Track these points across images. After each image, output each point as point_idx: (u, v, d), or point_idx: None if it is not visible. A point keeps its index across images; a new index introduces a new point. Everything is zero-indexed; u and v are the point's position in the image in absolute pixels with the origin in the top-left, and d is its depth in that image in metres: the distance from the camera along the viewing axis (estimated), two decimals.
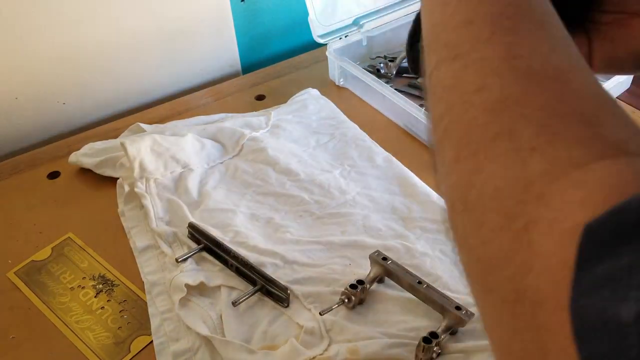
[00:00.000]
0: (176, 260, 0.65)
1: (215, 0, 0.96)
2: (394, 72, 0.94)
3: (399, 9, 1.00)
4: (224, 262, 0.65)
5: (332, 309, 0.60)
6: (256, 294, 0.63)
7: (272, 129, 0.84)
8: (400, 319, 0.59)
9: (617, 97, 0.90)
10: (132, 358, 0.59)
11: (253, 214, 0.73)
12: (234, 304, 0.61)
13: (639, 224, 0.17)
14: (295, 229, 0.70)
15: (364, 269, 0.65)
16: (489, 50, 0.25)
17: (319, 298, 0.62)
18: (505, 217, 0.22)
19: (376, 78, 0.87)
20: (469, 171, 0.24)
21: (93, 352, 0.59)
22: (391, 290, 0.62)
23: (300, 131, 0.84)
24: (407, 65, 0.96)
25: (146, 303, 0.63)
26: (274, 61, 1.03)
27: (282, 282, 0.63)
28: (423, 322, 0.59)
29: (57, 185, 0.80)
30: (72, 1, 0.84)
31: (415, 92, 0.91)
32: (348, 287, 0.60)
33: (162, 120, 0.89)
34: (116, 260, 0.69)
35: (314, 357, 0.56)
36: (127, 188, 0.75)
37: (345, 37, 0.95)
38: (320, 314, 0.60)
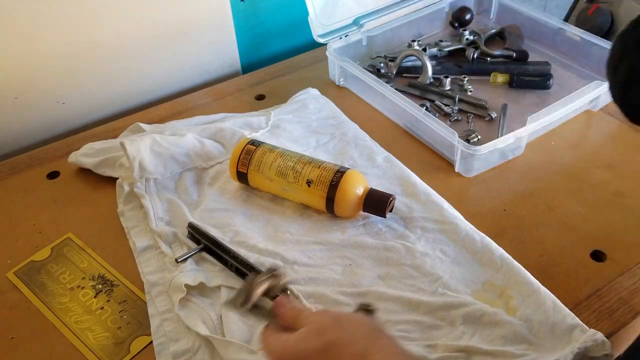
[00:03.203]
0: (176, 260, 0.65)
1: (215, 0, 0.96)
2: (394, 72, 0.94)
3: (399, 9, 0.99)
4: (224, 262, 0.65)
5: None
6: None
7: (272, 128, 0.84)
8: (402, 319, 0.59)
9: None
10: (131, 358, 0.59)
11: (253, 213, 0.73)
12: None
13: None
14: (295, 229, 0.70)
15: (364, 269, 0.65)
16: None
17: (320, 298, 0.62)
18: None
19: (376, 78, 0.87)
20: None
21: (93, 353, 0.59)
22: (393, 290, 0.62)
23: (300, 131, 0.84)
24: (407, 65, 0.95)
25: (146, 303, 0.63)
26: (274, 61, 1.02)
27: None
28: (425, 321, 0.59)
29: (57, 185, 0.80)
30: (71, 2, 0.84)
31: (416, 92, 0.91)
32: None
33: (162, 120, 0.89)
34: (116, 261, 0.69)
35: None
36: (126, 188, 0.75)
37: (345, 36, 0.95)
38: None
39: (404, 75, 0.95)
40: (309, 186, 0.70)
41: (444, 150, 0.80)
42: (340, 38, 0.94)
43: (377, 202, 0.69)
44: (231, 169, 0.74)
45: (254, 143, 0.74)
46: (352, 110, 0.88)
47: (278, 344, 0.48)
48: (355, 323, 0.48)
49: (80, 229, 0.73)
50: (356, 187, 0.69)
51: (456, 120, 0.86)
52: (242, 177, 0.74)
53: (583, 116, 0.87)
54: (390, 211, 0.70)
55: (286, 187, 0.71)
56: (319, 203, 0.70)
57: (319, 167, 0.70)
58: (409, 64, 0.96)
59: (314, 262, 0.66)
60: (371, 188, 0.70)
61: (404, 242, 0.67)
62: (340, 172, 0.69)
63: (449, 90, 0.91)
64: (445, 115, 0.87)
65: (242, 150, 0.73)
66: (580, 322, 0.58)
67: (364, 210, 0.70)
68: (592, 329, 0.56)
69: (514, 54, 0.96)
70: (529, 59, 0.96)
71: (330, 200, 0.69)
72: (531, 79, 0.91)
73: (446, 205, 0.71)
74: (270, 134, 0.83)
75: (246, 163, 0.73)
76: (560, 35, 0.96)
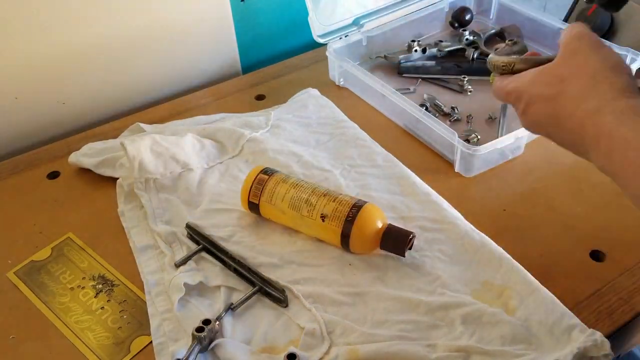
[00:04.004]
0: (175, 265, 0.65)
1: (215, 0, 0.96)
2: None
3: (399, 9, 0.99)
4: (223, 262, 0.65)
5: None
6: (256, 295, 0.63)
7: (272, 128, 0.84)
8: (401, 319, 0.59)
9: None
10: (131, 358, 0.59)
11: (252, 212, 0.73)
12: (232, 308, 0.61)
13: None
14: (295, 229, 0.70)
15: (363, 269, 0.65)
16: None
17: (320, 298, 0.62)
18: None
19: (376, 78, 0.87)
20: None
21: (93, 352, 0.59)
22: (392, 290, 0.62)
23: (300, 131, 0.84)
24: (407, 65, 0.95)
25: (146, 303, 0.63)
26: (274, 61, 1.02)
27: (282, 282, 0.63)
28: (424, 321, 0.59)
29: (57, 185, 0.80)
30: (71, 1, 0.84)
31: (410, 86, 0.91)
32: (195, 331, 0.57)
33: (162, 120, 0.89)
34: (116, 260, 0.69)
35: None
36: (127, 188, 0.75)
37: (345, 37, 0.95)
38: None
39: (404, 75, 0.95)
40: (323, 221, 0.65)
41: (444, 150, 0.80)
42: (340, 38, 0.94)
43: (395, 240, 0.63)
44: (242, 198, 0.69)
45: (267, 172, 0.69)
46: (352, 110, 0.88)
47: (509, 81, 0.51)
48: (603, 77, 0.45)
49: (80, 229, 0.73)
50: (374, 223, 0.64)
51: (456, 120, 0.86)
52: (253, 207, 0.69)
53: None
54: (410, 249, 0.65)
55: (299, 221, 0.67)
56: (334, 239, 0.65)
57: (334, 200, 0.65)
58: (409, 64, 0.96)
59: (314, 262, 0.66)
60: (389, 224, 0.65)
61: None
62: (356, 207, 0.64)
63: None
64: (445, 115, 0.87)
65: (254, 180, 0.68)
66: (580, 322, 0.58)
67: (381, 248, 0.64)
68: (591, 329, 0.56)
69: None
70: None
71: (345, 236, 0.64)
72: None
73: (446, 205, 0.71)
74: (271, 134, 0.83)
75: (258, 194, 0.68)
76: (560, 35, 0.96)
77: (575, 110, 0.44)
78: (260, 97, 0.94)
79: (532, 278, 0.62)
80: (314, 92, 0.91)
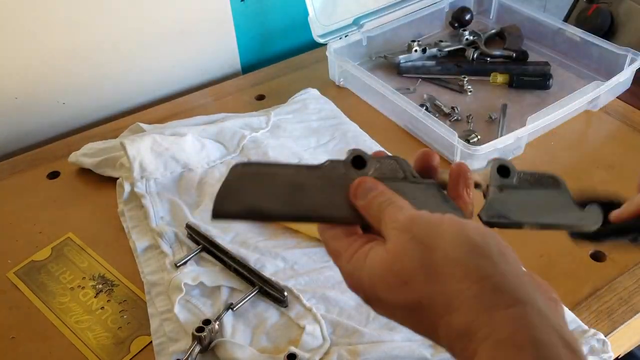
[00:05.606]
0: (175, 265, 0.65)
1: (215, 0, 0.96)
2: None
3: (399, 9, 0.99)
4: (223, 262, 0.65)
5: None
6: (256, 295, 0.63)
7: (272, 129, 0.84)
8: None
9: (617, 97, 0.90)
10: (131, 358, 0.59)
11: None
12: (232, 308, 0.61)
13: None
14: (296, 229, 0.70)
15: None
16: None
17: (320, 298, 0.62)
18: None
19: (376, 78, 0.87)
20: None
21: (93, 353, 0.59)
22: None
23: (300, 131, 0.84)
24: (407, 65, 0.95)
25: (146, 303, 0.63)
26: (274, 61, 1.02)
27: (283, 282, 0.63)
28: None
29: (57, 185, 0.80)
30: (72, 2, 0.84)
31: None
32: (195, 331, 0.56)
33: (162, 120, 0.89)
34: (116, 260, 0.69)
35: None
36: (127, 188, 0.75)
37: (345, 37, 0.95)
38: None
39: (404, 75, 0.95)
40: None
41: (444, 150, 0.80)
42: (340, 38, 0.94)
43: None
44: None
45: None
46: (352, 110, 0.88)
47: (351, 268, 0.35)
48: (456, 269, 0.31)
49: (80, 229, 0.73)
50: None
51: (456, 120, 0.86)
52: None
53: (583, 116, 0.87)
54: None
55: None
56: None
57: None
58: (409, 64, 0.96)
59: (315, 262, 0.66)
60: None
61: None
62: None
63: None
64: (445, 115, 0.87)
65: None
66: (580, 322, 0.58)
67: None
68: (592, 329, 0.56)
69: (514, 54, 0.96)
70: (529, 59, 0.96)
71: None
72: (531, 79, 0.92)
73: None
74: (271, 134, 0.83)
75: None
76: (560, 35, 0.96)
77: (441, 321, 0.31)
78: (260, 97, 0.94)
79: None
80: (314, 92, 0.91)
